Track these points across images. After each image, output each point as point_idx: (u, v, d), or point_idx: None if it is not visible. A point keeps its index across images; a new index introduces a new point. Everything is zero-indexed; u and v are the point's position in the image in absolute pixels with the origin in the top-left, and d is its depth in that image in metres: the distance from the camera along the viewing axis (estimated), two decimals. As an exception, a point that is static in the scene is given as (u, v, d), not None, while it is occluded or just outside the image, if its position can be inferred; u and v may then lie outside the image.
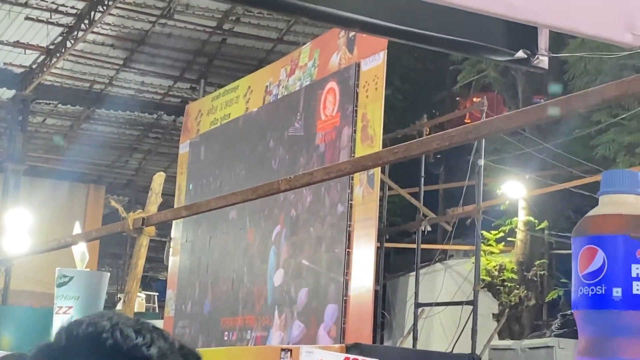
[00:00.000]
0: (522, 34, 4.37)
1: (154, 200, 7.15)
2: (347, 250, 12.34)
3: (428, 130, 15.08)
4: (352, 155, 12.47)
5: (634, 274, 9.26)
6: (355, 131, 12.65)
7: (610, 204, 9.62)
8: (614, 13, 3.69)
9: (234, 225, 15.33)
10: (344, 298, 12.23)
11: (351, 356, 7.65)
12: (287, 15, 12.82)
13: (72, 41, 18.02)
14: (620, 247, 9.26)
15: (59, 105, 21.55)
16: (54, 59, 18.95)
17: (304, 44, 15.06)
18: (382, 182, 14.04)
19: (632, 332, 9.11)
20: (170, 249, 18.03)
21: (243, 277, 14.97)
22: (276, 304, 13.82)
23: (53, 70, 19.58)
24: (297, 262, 13.47)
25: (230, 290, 15.29)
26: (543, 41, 4.47)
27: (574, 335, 9.26)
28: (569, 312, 9.91)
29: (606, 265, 9.10)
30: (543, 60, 4.57)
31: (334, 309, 12.41)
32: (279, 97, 14.86)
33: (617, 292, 8.85)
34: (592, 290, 9.06)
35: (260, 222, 14.63)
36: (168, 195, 15.68)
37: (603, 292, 8.94)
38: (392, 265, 17.36)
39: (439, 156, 15.61)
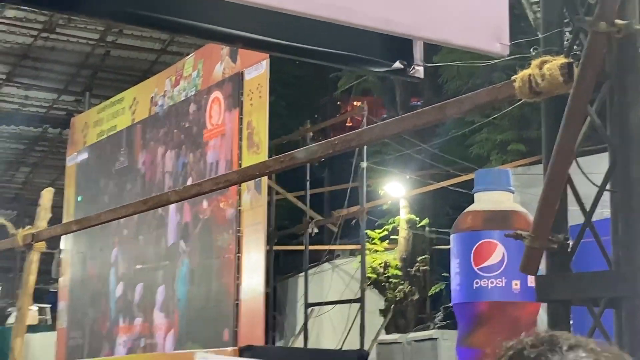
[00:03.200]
0: (398, 46, 4.62)
1: (43, 215, 7.37)
2: (238, 255, 12.66)
3: (312, 134, 15.55)
4: (240, 162, 12.82)
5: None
6: (241, 139, 12.98)
7: (482, 201, 10.19)
8: (482, 25, 4.05)
9: (126, 235, 15.52)
10: (236, 302, 12.54)
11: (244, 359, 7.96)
12: (169, 33, 13.06)
13: (-46, 57, 17.94)
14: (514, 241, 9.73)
15: (-57, 121, 21.34)
16: (-64, 75, 18.81)
17: (188, 54, 15.32)
18: (270, 187, 14.40)
19: (518, 322, 9.64)
20: (61, 260, 18.06)
21: (134, 286, 15.18)
22: (165, 310, 14.07)
23: None
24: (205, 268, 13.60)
25: (123, 299, 15.49)
26: (418, 52, 4.78)
27: (456, 326, 9.82)
28: (450, 304, 10.47)
29: (506, 259, 9.62)
30: (419, 70, 4.83)
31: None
32: (164, 107, 15.12)
33: (516, 284, 9.41)
34: (493, 282, 9.60)
35: (150, 231, 14.84)
36: (57, 207, 15.74)
37: (503, 285, 9.50)
38: (282, 267, 17.72)
39: (322, 160, 16.04)
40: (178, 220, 14.33)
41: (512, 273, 8.57)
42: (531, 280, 7.16)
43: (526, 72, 4.37)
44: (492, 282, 9.26)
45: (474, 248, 9.32)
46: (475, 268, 9.30)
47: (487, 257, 9.34)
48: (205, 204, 13.40)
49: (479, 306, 9.40)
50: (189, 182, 14.11)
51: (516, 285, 8.91)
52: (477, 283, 9.34)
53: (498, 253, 9.11)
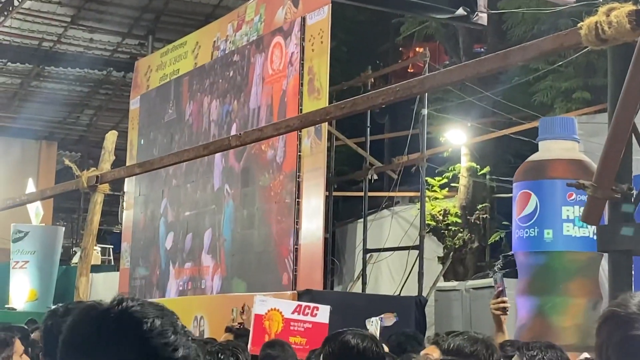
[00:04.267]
0: None
1: (107, 158, 7.47)
2: (297, 200, 12.74)
3: (373, 81, 15.48)
4: (300, 108, 12.85)
5: (564, 216, 9.80)
6: (302, 84, 12.99)
7: (547, 150, 10.10)
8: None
9: (185, 179, 15.72)
10: (295, 246, 12.65)
11: (303, 303, 8.03)
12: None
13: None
14: (553, 191, 9.78)
15: (9, 63, 21.60)
16: (2, 18, 19.00)
17: (250, -2, 15.31)
18: (330, 133, 14.41)
19: (565, 271, 9.63)
20: (124, 203, 18.34)
21: (183, 234, 15.46)
22: (232, 254, 14.26)
23: (1, 29, 19.63)
24: (253, 212, 13.85)
25: (173, 248, 15.76)
26: None
27: (515, 275, 9.81)
28: (510, 253, 10.45)
29: (539, 209, 9.62)
30: (482, 17, 4.80)
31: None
32: (226, 52, 15.17)
33: (548, 233, 9.39)
34: (527, 232, 9.60)
35: (208, 175, 15.02)
36: (120, 150, 15.96)
37: (536, 235, 9.48)
38: (341, 213, 17.78)
39: (383, 106, 15.98)
40: (223, 165, 14.55)
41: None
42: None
43: (593, 19, 4.30)
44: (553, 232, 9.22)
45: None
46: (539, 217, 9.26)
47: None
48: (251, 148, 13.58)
49: (538, 255, 9.37)
50: (233, 129, 14.30)
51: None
52: (534, 232, 9.31)
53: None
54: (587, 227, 8.66)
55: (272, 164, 13.46)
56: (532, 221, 9.18)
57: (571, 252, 9.11)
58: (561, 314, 9.08)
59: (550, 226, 9.06)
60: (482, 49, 16.27)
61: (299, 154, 12.82)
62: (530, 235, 9.20)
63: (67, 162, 9.72)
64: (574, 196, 8.84)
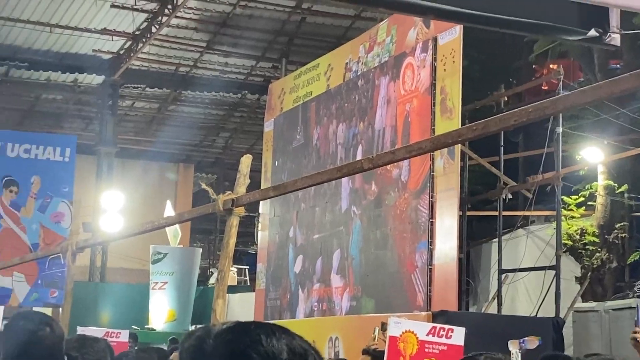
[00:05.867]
0: (594, 13, 4.49)
1: (242, 181, 7.60)
2: (431, 220, 12.72)
3: (506, 99, 15.34)
4: (432, 127, 12.84)
5: None
6: (434, 104, 12.99)
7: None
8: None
9: (314, 201, 15.92)
10: (429, 267, 12.62)
11: (438, 325, 7.98)
12: (363, 5, 13.13)
13: (157, 26, 18.68)
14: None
15: (147, 88, 22.26)
16: (140, 44, 19.63)
17: (382, 19, 15.38)
18: (463, 153, 14.34)
19: None
20: (259, 224, 18.61)
21: (324, 251, 15.59)
22: (361, 274, 14.34)
23: (140, 55, 20.27)
24: (382, 232, 13.93)
25: (312, 263, 15.92)
26: (614, 19, 4.60)
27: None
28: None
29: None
30: (615, 38, 4.63)
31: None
32: (358, 73, 15.29)
33: None
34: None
35: (336, 197, 15.16)
36: (254, 171, 16.24)
37: None
38: (475, 232, 17.63)
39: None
40: (350, 187, 14.69)
41: None
42: None
43: None
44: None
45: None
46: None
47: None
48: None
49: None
50: (359, 151, 14.41)
51: None
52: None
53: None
54: None
55: (398, 182, 13.52)
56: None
57: None
58: None
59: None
60: (618, 66, 15.92)
61: (431, 173, 12.81)
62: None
63: (203, 185, 9.96)
64: None
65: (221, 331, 1.85)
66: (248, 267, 24.48)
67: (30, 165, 20.14)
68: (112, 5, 18.30)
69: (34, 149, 20.24)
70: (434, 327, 7.79)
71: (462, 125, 12.42)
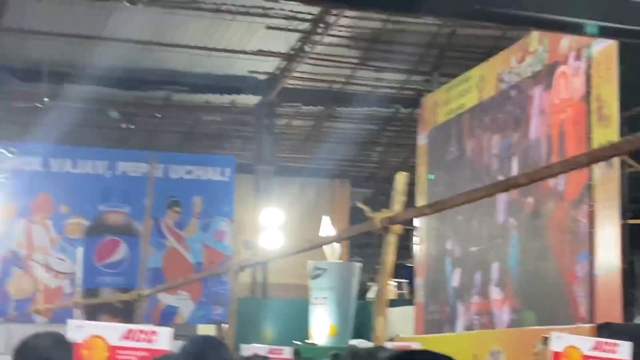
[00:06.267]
0: None
1: (398, 199, 7.67)
2: (591, 230, 12.51)
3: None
4: (589, 136, 12.65)
5: None
6: (590, 113, 12.80)
7: None
8: None
9: (471, 214, 15.84)
10: (591, 277, 12.41)
11: (603, 340, 7.79)
12: (516, 26, 13.04)
13: (311, 45, 18.99)
14: None
15: (302, 106, 22.63)
16: (295, 64, 19.99)
17: (533, 29, 15.23)
18: (622, 161, 14.01)
19: None
20: (416, 238, 18.66)
21: (482, 264, 15.50)
22: (521, 286, 14.20)
23: (294, 74, 20.64)
24: (540, 244, 13.78)
25: (470, 276, 15.85)
26: None
27: None
28: None
29: None
30: None
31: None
32: (511, 84, 15.18)
33: None
34: None
35: (492, 209, 15.06)
36: (409, 184, 16.34)
37: None
38: (638, 241, 17.15)
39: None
40: (506, 198, 14.55)
41: None
42: None
43: None
44: None
45: None
46: None
47: None
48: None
49: None
50: (514, 162, 14.29)
51: None
52: None
53: None
54: None
55: (554, 192, 13.34)
56: None
57: None
58: None
59: None
60: None
61: (590, 182, 12.62)
62: None
63: (359, 205, 10.10)
64: None
65: (390, 356, 1.94)
66: (407, 280, 24.50)
67: (192, 185, 20.80)
68: (267, 27, 18.70)
69: (195, 170, 20.91)
70: (599, 342, 7.62)
71: (620, 132, 12.20)
